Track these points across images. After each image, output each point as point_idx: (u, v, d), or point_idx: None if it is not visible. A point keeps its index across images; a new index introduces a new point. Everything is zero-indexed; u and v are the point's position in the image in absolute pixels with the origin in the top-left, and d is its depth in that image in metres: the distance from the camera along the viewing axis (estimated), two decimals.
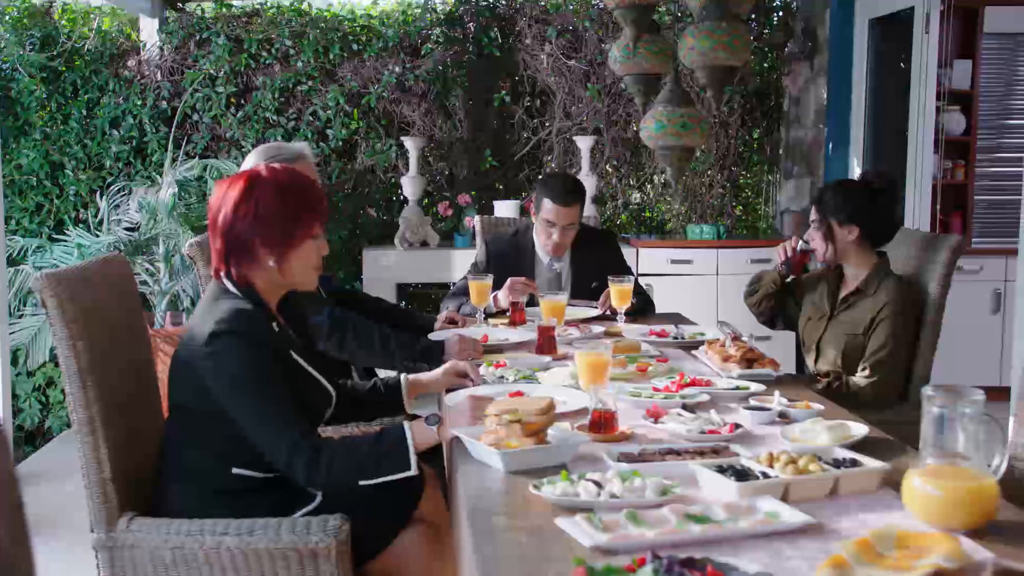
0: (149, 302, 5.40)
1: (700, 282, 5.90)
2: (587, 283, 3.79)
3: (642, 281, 5.83)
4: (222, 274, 2.21)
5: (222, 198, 2.18)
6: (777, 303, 3.47)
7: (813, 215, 3.18)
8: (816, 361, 3.25)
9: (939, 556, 1.39)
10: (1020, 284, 4.64)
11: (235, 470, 2.17)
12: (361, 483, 2.07)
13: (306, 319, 2.47)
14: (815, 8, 6.17)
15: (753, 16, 6.61)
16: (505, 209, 5.80)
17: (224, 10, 6.33)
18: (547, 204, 3.65)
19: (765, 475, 1.76)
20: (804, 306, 3.38)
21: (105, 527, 2.17)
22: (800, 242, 3.33)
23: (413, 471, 2.06)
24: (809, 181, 6.24)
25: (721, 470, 1.79)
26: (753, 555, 1.49)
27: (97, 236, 5.38)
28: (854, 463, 1.84)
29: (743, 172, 6.83)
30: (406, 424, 2.09)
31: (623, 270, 3.80)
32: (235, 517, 2.14)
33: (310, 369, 2.26)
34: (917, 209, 5.43)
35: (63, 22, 6.33)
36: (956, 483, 1.56)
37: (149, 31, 6.25)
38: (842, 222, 3.11)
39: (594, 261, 3.80)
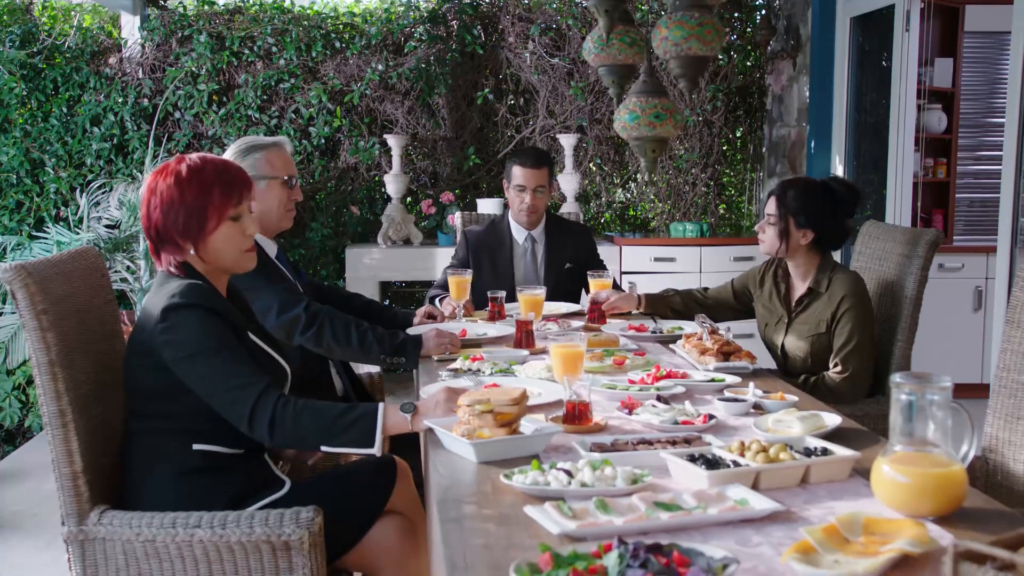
0: (129, 299, 5.37)
1: (683, 280, 5.90)
2: (560, 264, 4.00)
3: (626, 279, 5.87)
4: (167, 267, 2.23)
5: (141, 198, 2.22)
6: (722, 313, 3.47)
7: (771, 208, 3.13)
8: (785, 363, 3.25)
9: (905, 541, 1.39)
10: (1001, 281, 4.66)
11: (196, 446, 2.16)
12: (323, 448, 2.08)
13: (250, 307, 2.48)
14: (797, 6, 6.19)
15: (736, 14, 6.63)
16: (488, 207, 5.79)
17: (206, 7, 6.30)
18: (516, 170, 3.88)
19: (736, 464, 1.76)
20: (757, 310, 3.37)
21: (76, 520, 2.15)
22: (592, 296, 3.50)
23: (376, 451, 2.06)
24: None
25: (692, 459, 1.79)
26: (721, 542, 1.49)
27: (77, 233, 5.35)
28: (825, 452, 1.84)
29: (726, 170, 6.85)
30: (380, 404, 2.10)
31: (598, 262, 4.02)
32: (201, 498, 2.14)
33: (264, 345, 2.28)
34: (898, 207, 5.44)
35: (43, 19, 6.30)
36: (924, 470, 1.56)
37: (130, 28, 6.22)
38: (800, 224, 3.09)
39: (569, 245, 4.04)
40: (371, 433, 2.06)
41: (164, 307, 2.07)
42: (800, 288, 3.19)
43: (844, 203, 3.12)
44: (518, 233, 4.01)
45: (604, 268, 3.86)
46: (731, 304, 3.46)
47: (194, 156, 2.23)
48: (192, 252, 2.18)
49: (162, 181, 2.17)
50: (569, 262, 3.98)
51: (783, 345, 3.21)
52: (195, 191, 2.16)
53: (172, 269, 2.20)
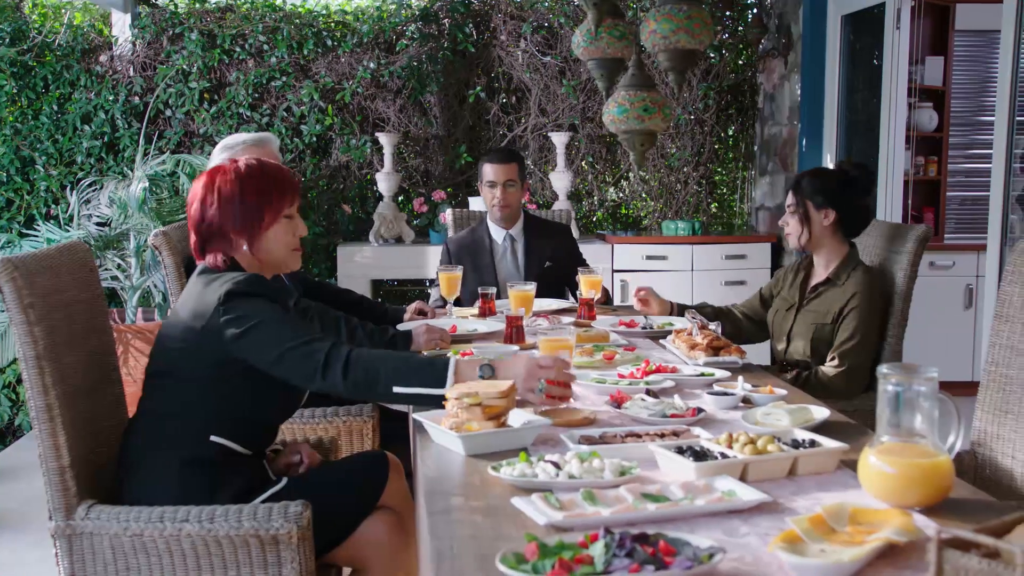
0: (120, 297, 5.36)
1: (675, 278, 5.91)
2: (541, 262, 4.03)
3: (617, 277, 5.88)
4: (214, 264, 2.27)
5: (192, 194, 2.29)
6: (752, 329, 3.45)
7: (789, 200, 3.19)
8: (786, 351, 3.26)
9: (891, 530, 1.39)
10: (991, 279, 4.67)
11: (213, 438, 2.19)
12: (394, 390, 2.11)
13: None
14: (788, 4, 6.20)
15: (727, 13, 6.63)
16: (480, 204, 5.77)
17: (197, 5, 6.28)
18: (486, 168, 4.00)
19: (724, 455, 1.76)
20: (775, 301, 3.38)
21: (64, 515, 2.14)
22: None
23: (447, 392, 2.07)
24: (784, 177, 6.26)
25: (680, 451, 1.78)
26: (708, 532, 1.49)
27: (67, 231, 5.33)
28: (813, 444, 1.84)
29: (718, 169, 6.85)
30: (453, 357, 2.18)
31: (579, 259, 4.08)
32: (202, 490, 2.14)
33: None
34: (889, 205, 5.45)
35: (34, 17, 6.28)
36: (910, 460, 1.56)
37: (121, 26, 6.20)
38: (819, 206, 3.13)
39: (549, 244, 4.07)
40: (443, 374, 2.10)
41: (227, 291, 2.13)
42: (819, 276, 3.21)
43: (857, 181, 3.16)
44: (497, 234, 4.06)
45: (586, 264, 3.89)
46: (757, 311, 3.42)
47: (250, 158, 2.32)
48: (245, 248, 2.24)
49: (221, 177, 2.24)
50: (549, 260, 4.01)
51: (789, 332, 3.22)
52: (256, 188, 2.24)
53: (219, 265, 2.24)
